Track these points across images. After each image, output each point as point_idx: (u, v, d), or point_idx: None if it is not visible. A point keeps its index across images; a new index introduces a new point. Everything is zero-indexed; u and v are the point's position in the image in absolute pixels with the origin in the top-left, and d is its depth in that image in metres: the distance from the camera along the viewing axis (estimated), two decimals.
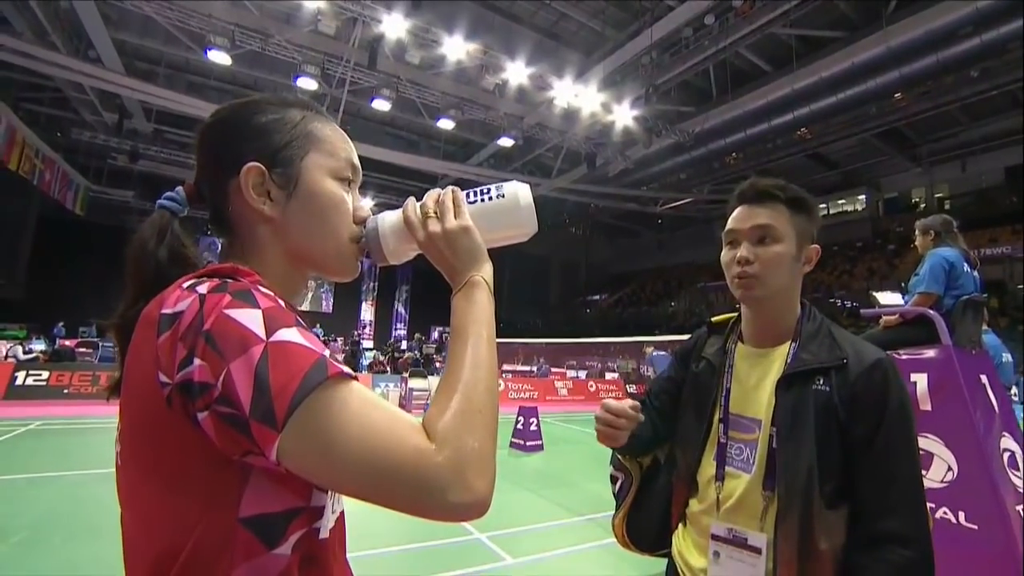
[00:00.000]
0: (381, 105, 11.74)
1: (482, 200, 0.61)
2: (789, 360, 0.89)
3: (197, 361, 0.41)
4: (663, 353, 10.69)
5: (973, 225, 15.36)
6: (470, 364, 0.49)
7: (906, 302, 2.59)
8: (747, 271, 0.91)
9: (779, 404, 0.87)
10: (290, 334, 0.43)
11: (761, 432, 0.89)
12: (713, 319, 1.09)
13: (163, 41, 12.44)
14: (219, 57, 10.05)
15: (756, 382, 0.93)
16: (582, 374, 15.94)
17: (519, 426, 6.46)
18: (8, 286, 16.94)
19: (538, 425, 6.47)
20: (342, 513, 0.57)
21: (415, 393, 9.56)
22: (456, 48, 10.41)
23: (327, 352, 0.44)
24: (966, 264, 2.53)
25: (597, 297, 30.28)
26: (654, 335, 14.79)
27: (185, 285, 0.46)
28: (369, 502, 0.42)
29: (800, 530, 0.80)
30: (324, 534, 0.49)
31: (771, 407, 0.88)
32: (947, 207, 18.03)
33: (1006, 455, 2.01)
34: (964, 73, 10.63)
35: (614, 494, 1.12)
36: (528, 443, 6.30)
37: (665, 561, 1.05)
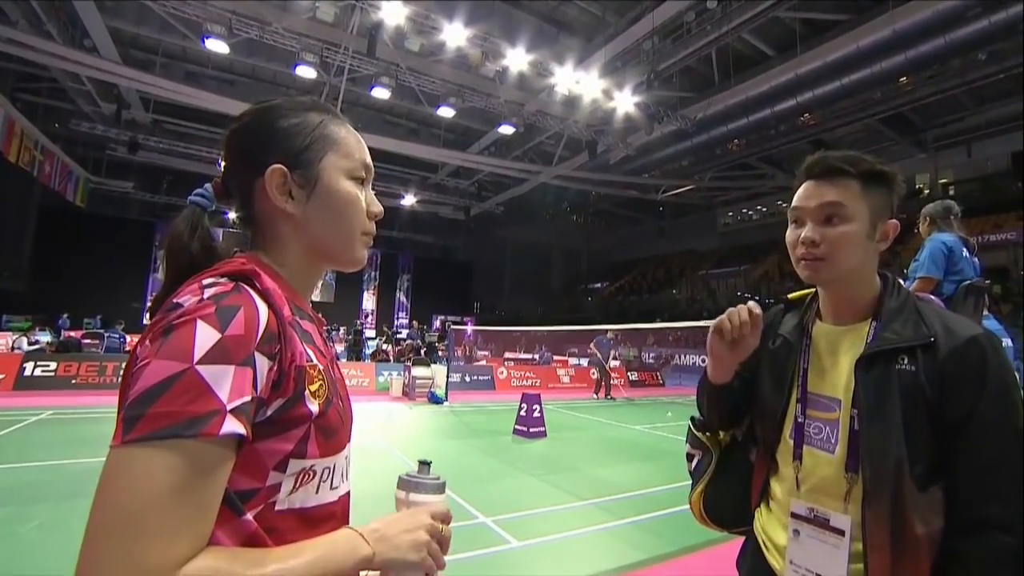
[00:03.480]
0: (380, 93, 11.64)
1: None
2: (870, 339, 0.85)
3: (147, 342, 0.49)
4: (606, 336, 11.28)
5: (978, 211, 15.27)
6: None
7: (906, 287, 2.61)
8: (813, 252, 0.86)
9: (860, 385, 0.83)
10: (217, 372, 0.46)
11: (841, 412, 0.86)
12: (790, 296, 1.05)
13: (159, 29, 12.30)
14: (216, 45, 9.96)
15: (835, 360, 0.89)
16: (584, 361, 16.02)
17: (522, 413, 6.52)
18: (12, 278, 17.02)
19: (541, 412, 6.52)
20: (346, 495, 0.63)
21: (418, 381, 9.64)
22: (456, 34, 10.29)
23: (232, 405, 0.46)
24: (965, 249, 2.54)
25: (598, 285, 30.27)
26: (655, 323, 14.81)
27: (205, 282, 0.52)
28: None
29: (892, 514, 0.77)
30: (287, 504, 0.54)
31: (851, 387, 0.84)
32: (951, 193, 17.90)
33: None
34: (972, 56, 10.49)
35: (690, 472, 1.11)
36: (531, 429, 6.36)
37: (685, 534, 1.04)
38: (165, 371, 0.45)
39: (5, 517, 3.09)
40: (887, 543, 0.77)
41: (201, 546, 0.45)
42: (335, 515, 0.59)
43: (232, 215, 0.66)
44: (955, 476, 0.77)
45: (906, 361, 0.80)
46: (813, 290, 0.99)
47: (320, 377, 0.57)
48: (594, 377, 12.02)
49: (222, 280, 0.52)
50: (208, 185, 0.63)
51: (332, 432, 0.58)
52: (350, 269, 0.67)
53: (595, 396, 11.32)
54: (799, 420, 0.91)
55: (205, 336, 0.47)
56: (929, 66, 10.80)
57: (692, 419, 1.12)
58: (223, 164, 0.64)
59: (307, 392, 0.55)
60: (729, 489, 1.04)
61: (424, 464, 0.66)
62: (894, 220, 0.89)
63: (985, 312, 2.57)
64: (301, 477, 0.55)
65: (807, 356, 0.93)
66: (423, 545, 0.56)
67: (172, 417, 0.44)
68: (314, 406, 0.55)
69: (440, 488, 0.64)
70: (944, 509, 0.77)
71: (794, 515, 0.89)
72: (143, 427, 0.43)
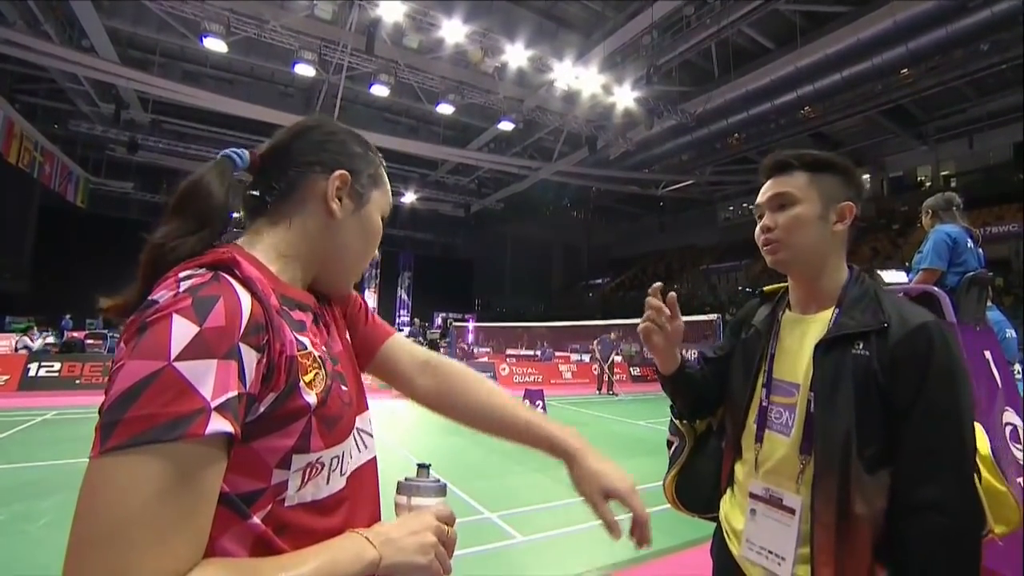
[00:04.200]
0: (379, 91, 11.61)
1: None
2: (831, 325, 0.89)
3: (122, 344, 0.46)
4: (608, 336, 11.80)
5: (979, 203, 15.22)
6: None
7: (910, 280, 2.60)
8: (769, 237, 0.94)
9: (816, 368, 0.87)
10: (198, 367, 0.43)
11: (799, 396, 0.89)
12: (765, 288, 1.10)
13: (157, 29, 12.27)
14: (215, 44, 9.92)
15: (798, 347, 0.93)
16: (586, 357, 16.03)
17: None
18: (13, 280, 17.04)
19: (544, 408, 6.54)
20: (361, 469, 0.63)
21: None
22: (455, 31, 10.24)
23: (216, 402, 0.43)
24: (969, 240, 2.54)
25: (599, 281, 30.28)
26: None
27: (181, 275, 0.49)
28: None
29: (839, 494, 0.80)
30: (296, 500, 0.52)
31: (810, 372, 0.88)
32: (953, 185, 17.84)
33: (1008, 429, 2.04)
34: (974, 46, 10.42)
35: (669, 457, 1.16)
36: None
37: (689, 528, 1.08)
38: (140, 371, 0.42)
39: (13, 515, 3.11)
40: (832, 522, 0.81)
41: (196, 557, 0.43)
42: (349, 497, 0.59)
43: (235, 218, 0.64)
44: (899, 458, 0.80)
45: (861, 346, 0.84)
46: (787, 284, 1.04)
47: (316, 365, 0.55)
48: (596, 372, 12.10)
49: (199, 271, 0.49)
50: (245, 151, 0.63)
51: (335, 421, 0.56)
52: (336, 294, 0.70)
53: (597, 392, 11.53)
54: (763, 405, 0.95)
55: (182, 330, 0.44)
56: (930, 57, 10.74)
57: (671, 407, 1.17)
58: (279, 142, 0.65)
59: (302, 383, 0.52)
60: (701, 475, 1.09)
61: (423, 467, 0.66)
62: (849, 203, 0.93)
63: (989, 304, 2.57)
64: (308, 471, 0.53)
65: (775, 343, 0.98)
66: (430, 547, 0.55)
67: (151, 420, 0.41)
68: (311, 397, 0.53)
69: (441, 490, 0.64)
70: (890, 492, 0.80)
71: (752, 495, 0.93)
72: (121, 434, 0.40)
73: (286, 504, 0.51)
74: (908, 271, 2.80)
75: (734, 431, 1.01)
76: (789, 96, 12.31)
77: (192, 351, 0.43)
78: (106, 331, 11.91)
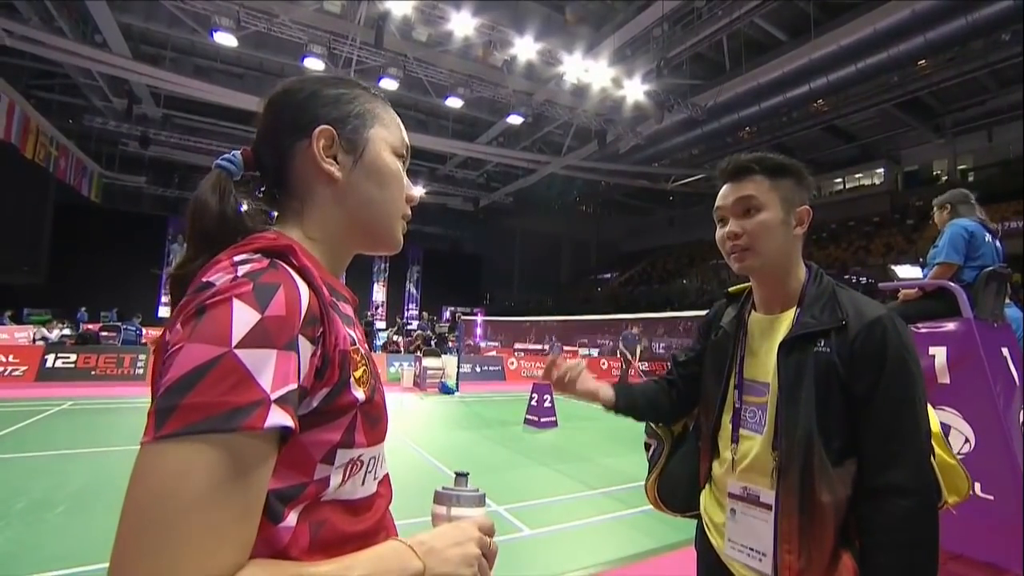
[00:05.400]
0: (388, 84, 11.60)
1: None
2: (793, 324, 0.92)
3: (178, 326, 0.43)
4: (632, 332, 11.36)
5: (997, 197, 14.89)
6: None
7: (925, 275, 2.56)
8: (738, 244, 0.95)
9: (780, 367, 0.90)
10: (259, 356, 0.41)
11: (770, 395, 0.92)
12: (730, 289, 1.13)
13: (168, 24, 12.35)
14: (225, 39, 9.97)
15: (765, 348, 0.96)
16: (594, 352, 16.01)
17: (533, 403, 6.55)
18: (31, 272, 17.36)
19: (552, 402, 6.55)
20: (385, 476, 0.61)
21: (429, 372, 9.71)
22: (463, 24, 10.20)
23: (276, 394, 0.42)
24: (987, 234, 2.48)
25: (608, 275, 30.14)
26: (666, 312, 14.73)
27: (236, 259, 0.47)
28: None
29: (800, 485, 0.84)
30: (334, 496, 0.51)
31: (776, 371, 0.91)
32: (971, 179, 17.47)
33: None
34: (994, 36, 10.15)
35: (648, 460, 1.19)
36: (542, 419, 6.40)
37: (695, 523, 1.11)
38: (200, 356, 0.40)
39: (33, 503, 3.18)
40: (795, 511, 0.85)
41: (244, 557, 0.40)
42: (376, 503, 0.57)
43: (244, 207, 0.61)
44: (862, 446, 0.84)
45: (822, 344, 0.87)
46: (750, 284, 1.05)
47: (364, 362, 0.54)
48: (621, 368, 11.95)
49: (256, 256, 0.47)
50: (236, 152, 0.58)
51: (377, 419, 0.55)
52: (388, 251, 0.64)
53: None
54: (737, 406, 0.98)
55: (243, 317, 0.42)
56: (949, 48, 10.50)
57: None
58: (257, 133, 0.61)
59: (352, 378, 0.51)
60: (680, 476, 1.12)
61: (461, 476, 0.63)
62: (806, 207, 0.96)
63: (1008, 300, 2.52)
64: (349, 468, 0.52)
65: (743, 345, 1.01)
66: (473, 559, 0.53)
67: (210, 408, 0.39)
68: (360, 393, 0.52)
69: (481, 500, 0.61)
70: (854, 480, 0.84)
71: (730, 495, 0.96)
72: (177, 420, 0.38)
73: (323, 499, 0.50)
74: (923, 266, 2.75)
75: (709, 431, 1.04)
76: (802, 89, 12.09)
77: (253, 339, 0.41)
78: (120, 323, 12.10)
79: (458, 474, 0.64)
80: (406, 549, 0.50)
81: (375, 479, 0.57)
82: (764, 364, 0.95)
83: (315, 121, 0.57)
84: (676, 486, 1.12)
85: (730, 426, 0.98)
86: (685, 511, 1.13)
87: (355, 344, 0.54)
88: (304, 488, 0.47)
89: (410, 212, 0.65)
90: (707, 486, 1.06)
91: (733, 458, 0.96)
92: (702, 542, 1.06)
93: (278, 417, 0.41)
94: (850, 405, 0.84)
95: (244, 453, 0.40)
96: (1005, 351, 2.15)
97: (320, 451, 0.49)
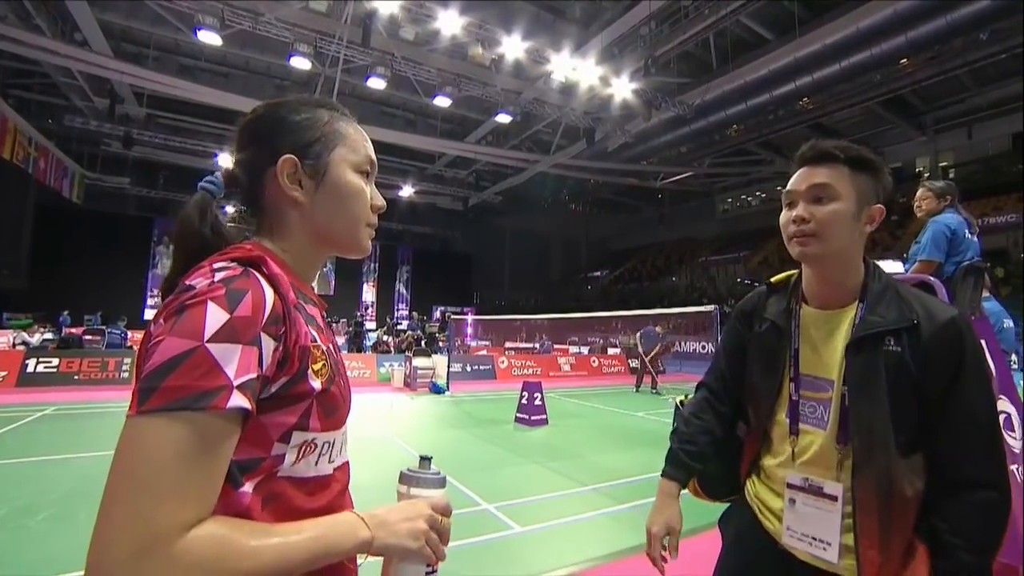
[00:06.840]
0: (376, 83, 11.53)
1: None
2: (857, 322, 0.91)
3: (162, 320, 0.51)
4: (654, 329, 10.81)
5: (978, 193, 15.23)
6: (278, 548, 0.49)
7: (906, 270, 2.60)
8: (803, 229, 0.92)
9: (850, 366, 0.90)
10: (226, 350, 0.49)
11: (834, 391, 0.93)
12: (773, 279, 1.10)
13: (151, 22, 12.15)
14: (209, 37, 9.84)
15: (826, 344, 0.95)
16: (584, 350, 16.07)
17: (523, 401, 6.56)
18: (11, 276, 16.98)
19: (542, 400, 6.56)
20: (344, 464, 0.67)
21: (419, 371, 9.67)
22: (451, 23, 10.16)
23: (238, 381, 0.49)
24: (967, 231, 2.53)
25: (598, 273, 30.29)
26: (655, 309, 14.84)
27: (215, 265, 0.55)
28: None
29: (880, 479, 0.85)
30: (289, 472, 0.57)
31: (842, 368, 0.91)
32: (951, 176, 17.81)
33: (1002, 417, 2.05)
34: (973, 35, 10.37)
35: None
36: (533, 417, 6.41)
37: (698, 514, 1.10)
38: (177, 348, 0.48)
39: (14, 511, 3.12)
40: (875, 506, 0.86)
41: (207, 514, 0.48)
42: (331, 486, 0.62)
43: (230, 210, 0.68)
44: (937, 443, 0.86)
45: (892, 343, 0.88)
46: (795, 272, 1.04)
47: (323, 357, 0.61)
48: (633, 366, 11.45)
49: (232, 264, 0.55)
50: (218, 173, 0.66)
51: (333, 409, 0.62)
52: (355, 256, 0.71)
53: (636, 389, 10.17)
54: (793, 399, 0.98)
55: (215, 316, 0.50)
56: (930, 47, 10.69)
57: (679, 403, 1.21)
58: (234, 155, 0.68)
59: (310, 370, 0.58)
60: (722, 466, 1.13)
61: (425, 459, 0.67)
62: (879, 205, 0.94)
63: (985, 293, 2.57)
64: (303, 448, 0.58)
65: (797, 339, 0.99)
66: (421, 534, 0.58)
67: (183, 391, 0.47)
68: (317, 383, 0.58)
69: (441, 482, 0.66)
70: (925, 472, 0.87)
71: (790, 485, 0.97)
72: (157, 399, 0.46)
73: (278, 475, 0.56)
74: (905, 261, 2.80)
75: (759, 423, 1.04)
76: (788, 87, 12.25)
77: (222, 335, 0.49)
78: (103, 327, 11.89)
79: (422, 457, 0.68)
80: (358, 520, 0.57)
81: (330, 462, 0.62)
82: (826, 360, 0.94)
83: (279, 151, 0.63)
84: (719, 477, 1.15)
85: (787, 420, 0.98)
86: (723, 497, 1.16)
87: (315, 341, 0.60)
88: (261, 462, 0.55)
89: (376, 219, 0.71)
90: (753, 474, 1.08)
91: (793, 450, 0.97)
92: (740, 524, 1.07)
93: (239, 400, 0.49)
94: (920, 403, 0.85)
95: (209, 428, 0.48)
96: (982, 343, 2.20)
97: (277, 431, 0.56)
